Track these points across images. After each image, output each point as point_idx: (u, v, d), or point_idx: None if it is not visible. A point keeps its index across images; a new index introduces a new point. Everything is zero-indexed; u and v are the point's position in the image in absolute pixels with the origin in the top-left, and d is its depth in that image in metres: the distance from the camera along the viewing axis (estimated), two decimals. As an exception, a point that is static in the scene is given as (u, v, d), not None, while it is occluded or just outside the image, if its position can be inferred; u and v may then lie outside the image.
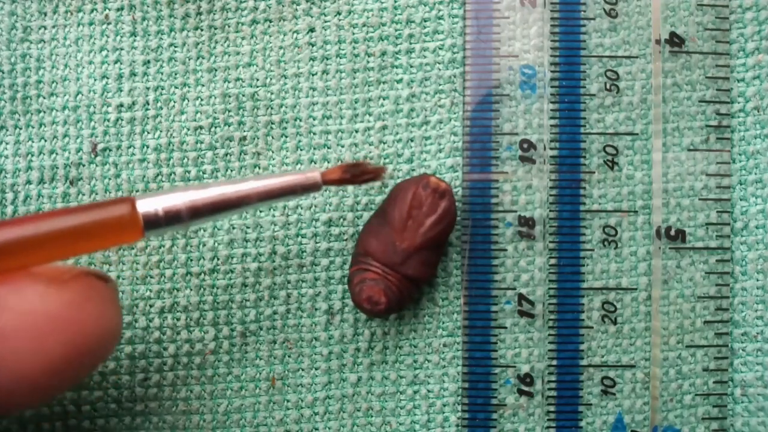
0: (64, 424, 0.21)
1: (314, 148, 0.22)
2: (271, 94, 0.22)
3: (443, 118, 0.22)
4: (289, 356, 0.22)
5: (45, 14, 0.22)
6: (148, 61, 0.22)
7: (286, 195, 0.18)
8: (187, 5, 0.22)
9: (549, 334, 0.21)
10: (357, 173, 0.18)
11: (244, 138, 0.22)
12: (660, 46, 0.21)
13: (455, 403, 0.21)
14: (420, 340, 0.22)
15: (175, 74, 0.22)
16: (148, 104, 0.22)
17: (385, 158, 0.22)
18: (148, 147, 0.22)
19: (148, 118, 0.22)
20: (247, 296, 0.21)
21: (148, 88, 0.22)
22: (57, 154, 0.22)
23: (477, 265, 0.21)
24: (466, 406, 0.21)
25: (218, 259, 0.21)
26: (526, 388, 0.21)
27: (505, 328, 0.21)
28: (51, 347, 0.15)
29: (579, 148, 0.21)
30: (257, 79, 0.22)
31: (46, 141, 0.22)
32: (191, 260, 0.21)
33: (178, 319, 0.21)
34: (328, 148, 0.22)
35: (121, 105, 0.22)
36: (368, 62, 0.22)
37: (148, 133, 0.22)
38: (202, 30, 0.22)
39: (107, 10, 0.22)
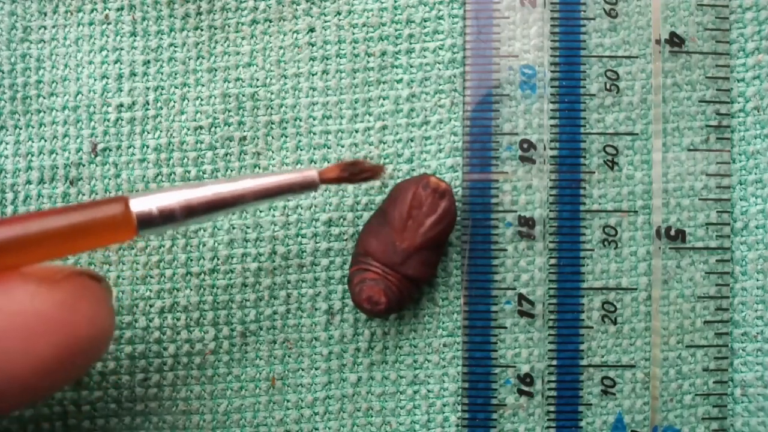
0: (64, 424, 0.21)
1: (314, 148, 0.22)
2: (271, 94, 0.22)
3: (443, 118, 0.22)
4: (289, 356, 0.22)
5: (45, 14, 0.22)
6: (148, 61, 0.22)
7: (283, 194, 0.18)
8: (187, 5, 0.22)
9: (549, 334, 0.21)
10: (355, 172, 0.18)
11: (244, 138, 0.22)
12: (660, 46, 0.21)
13: (455, 403, 0.21)
14: (420, 340, 0.22)
15: (175, 74, 0.22)
16: (148, 104, 0.22)
17: (385, 158, 0.22)
18: (148, 147, 0.22)
19: (148, 118, 0.22)
20: (247, 296, 0.21)
21: (148, 88, 0.22)
22: (57, 154, 0.22)
23: (477, 265, 0.21)
24: (466, 406, 0.21)
25: (218, 259, 0.21)
26: (526, 388, 0.21)
27: (505, 328, 0.21)
28: (42, 348, 0.15)
29: (579, 148, 0.21)
30: (257, 79, 0.22)
31: (46, 141, 0.22)
32: (191, 260, 0.21)
33: (178, 319, 0.21)
34: (328, 148, 0.22)
35: (121, 105, 0.22)
36: (368, 62, 0.22)
37: (148, 133, 0.22)
38: (202, 30, 0.22)
39: (107, 10, 0.22)
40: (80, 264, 0.21)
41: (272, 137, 0.22)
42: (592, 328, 0.21)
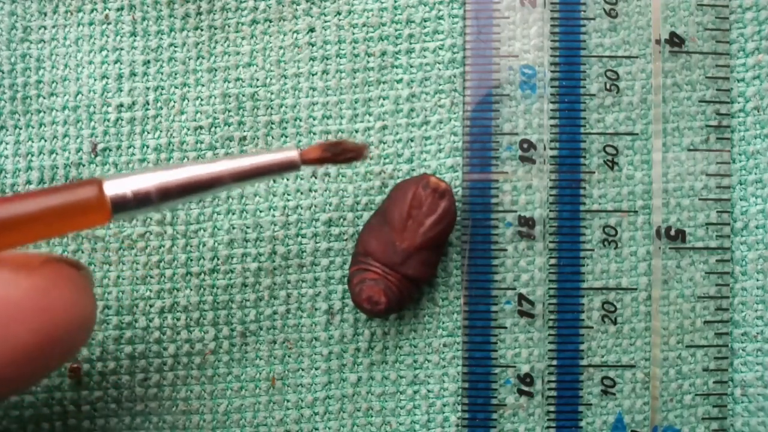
0: (64, 424, 0.21)
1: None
2: (271, 94, 0.22)
3: (443, 118, 0.22)
4: (289, 356, 0.22)
5: (45, 14, 0.22)
6: (148, 61, 0.22)
7: (263, 175, 0.17)
8: (187, 5, 0.22)
9: (549, 334, 0.21)
10: (338, 152, 0.18)
11: (244, 138, 0.22)
12: (660, 46, 0.21)
13: (455, 403, 0.21)
14: (420, 340, 0.22)
15: (175, 74, 0.22)
16: (148, 104, 0.22)
17: (385, 158, 0.22)
18: (148, 147, 0.22)
19: (148, 118, 0.22)
20: (247, 296, 0.21)
21: (148, 88, 0.22)
22: (57, 154, 0.22)
23: (477, 265, 0.21)
24: (466, 406, 0.21)
25: (218, 259, 0.21)
26: (526, 388, 0.21)
27: (505, 328, 0.21)
28: (19, 334, 0.15)
29: (579, 148, 0.21)
30: (257, 79, 0.22)
31: (46, 141, 0.22)
32: (191, 260, 0.21)
33: (178, 319, 0.21)
34: (328, 148, 0.22)
35: (121, 105, 0.22)
36: (368, 62, 0.22)
37: (148, 133, 0.22)
38: (202, 30, 0.22)
39: (107, 10, 0.22)
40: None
41: (272, 137, 0.22)
42: (592, 328, 0.21)
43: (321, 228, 0.22)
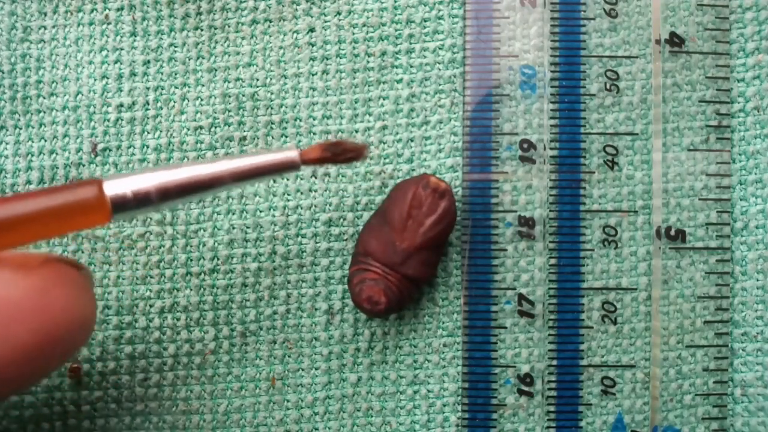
0: (64, 424, 0.21)
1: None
2: (271, 94, 0.22)
3: (443, 118, 0.22)
4: (289, 356, 0.22)
5: (45, 14, 0.22)
6: (148, 61, 0.22)
7: (263, 175, 0.17)
8: (187, 5, 0.22)
9: (549, 334, 0.21)
10: (338, 151, 0.18)
11: (244, 138, 0.22)
12: (660, 46, 0.21)
13: (455, 403, 0.21)
14: (420, 340, 0.22)
15: (175, 74, 0.22)
16: (148, 104, 0.22)
17: (385, 158, 0.22)
18: (148, 147, 0.22)
19: (148, 118, 0.22)
20: (247, 296, 0.21)
21: (148, 88, 0.22)
22: (57, 154, 0.22)
23: (477, 265, 0.21)
24: (466, 406, 0.21)
25: (218, 259, 0.21)
26: (526, 388, 0.21)
27: (505, 328, 0.21)
28: (19, 334, 0.15)
29: (579, 148, 0.21)
30: (257, 79, 0.22)
31: (46, 141, 0.22)
32: (191, 260, 0.21)
33: (178, 319, 0.21)
34: (328, 148, 0.22)
35: (121, 105, 0.22)
36: (368, 62, 0.22)
37: (148, 133, 0.22)
38: (202, 30, 0.22)
39: (107, 10, 0.22)
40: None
41: (272, 137, 0.22)
42: (592, 328, 0.21)
43: (321, 228, 0.22)
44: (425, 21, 0.22)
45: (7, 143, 0.21)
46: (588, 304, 0.21)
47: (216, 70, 0.22)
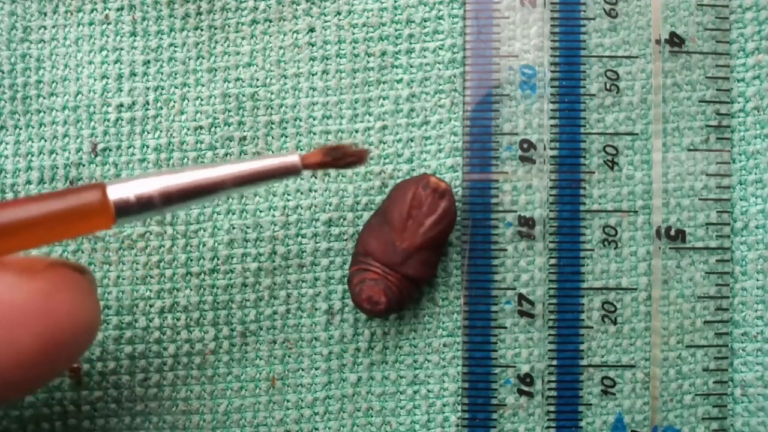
0: (64, 424, 0.21)
1: (314, 149, 0.22)
2: (271, 94, 0.22)
3: (443, 118, 0.22)
4: (289, 356, 0.22)
5: (45, 14, 0.22)
6: (148, 61, 0.22)
7: (265, 179, 0.17)
8: (187, 5, 0.22)
9: (549, 334, 0.21)
10: (338, 156, 0.18)
11: (244, 138, 0.22)
12: (660, 46, 0.21)
13: (455, 403, 0.21)
14: (420, 340, 0.22)
15: (175, 74, 0.22)
16: (148, 104, 0.22)
17: (385, 158, 0.22)
18: (148, 147, 0.22)
19: (148, 118, 0.22)
20: (247, 296, 0.21)
21: (148, 88, 0.22)
22: (57, 154, 0.22)
23: (477, 265, 0.21)
24: (466, 406, 0.21)
25: (218, 259, 0.21)
26: (526, 388, 0.21)
27: (505, 328, 0.21)
28: (23, 338, 0.15)
29: (579, 148, 0.21)
30: (257, 79, 0.22)
31: (46, 141, 0.22)
32: (191, 260, 0.21)
33: (178, 319, 0.21)
34: (328, 148, 0.22)
35: (121, 105, 0.22)
36: (368, 62, 0.22)
37: (148, 133, 0.22)
38: (202, 30, 0.22)
39: (107, 10, 0.22)
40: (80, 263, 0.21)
41: (272, 137, 0.22)
42: (592, 328, 0.21)
43: (321, 228, 0.22)
44: (425, 21, 0.22)
45: (7, 143, 0.21)
46: (588, 304, 0.21)
47: (216, 70, 0.22)
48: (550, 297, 0.21)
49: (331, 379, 0.21)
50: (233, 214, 0.22)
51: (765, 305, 0.21)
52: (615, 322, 0.21)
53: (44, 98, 0.22)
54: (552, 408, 0.21)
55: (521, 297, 0.21)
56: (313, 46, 0.22)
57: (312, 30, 0.22)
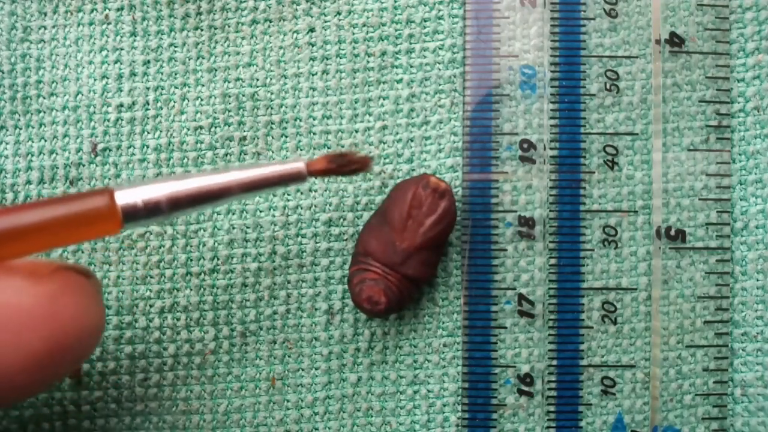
0: (64, 424, 0.21)
1: (314, 148, 0.22)
2: (271, 94, 0.22)
3: (443, 118, 0.22)
4: (289, 356, 0.22)
5: (45, 14, 0.22)
6: (148, 61, 0.22)
7: (270, 186, 0.17)
8: (187, 5, 0.22)
9: (549, 334, 0.21)
10: (343, 163, 0.18)
11: (244, 138, 0.22)
12: (660, 46, 0.21)
13: (455, 403, 0.21)
14: (420, 340, 0.22)
15: (175, 74, 0.22)
16: (148, 104, 0.22)
17: (385, 158, 0.22)
18: (148, 147, 0.22)
19: (148, 118, 0.22)
20: (247, 296, 0.21)
21: (148, 88, 0.22)
22: (57, 154, 0.22)
23: (477, 265, 0.21)
24: (466, 406, 0.21)
25: (218, 259, 0.21)
26: (526, 388, 0.21)
27: (505, 328, 0.21)
28: (30, 342, 0.15)
29: (579, 148, 0.21)
30: (257, 79, 0.22)
31: (46, 141, 0.22)
32: (191, 260, 0.21)
33: (178, 319, 0.21)
34: (328, 148, 0.22)
35: (121, 105, 0.22)
36: (368, 62, 0.22)
37: (148, 133, 0.22)
38: (202, 30, 0.22)
39: (107, 10, 0.22)
40: (80, 263, 0.21)
41: (272, 137, 0.22)
42: (592, 328, 0.21)
43: (321, 228, 0.22)
44: (425, 21, 0.22)
45: (7, 143, 0.21)
46: (588, 304, 0.21)
47: (216, 70, 0.22)
48: (550, 297, 0.21)
49: (331, 379, 0.22)
50: (233, 214, 0.22)
51: (765, 305, 0.21)
52: (615, 322, 0.21)
53: (44, 98, 0.22)
54: (552, 408, 0.21)
55: (521, 297, 0.21)
56: (313, 46, 0.22)
57: (312, 30, 0.22)
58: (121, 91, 0.22)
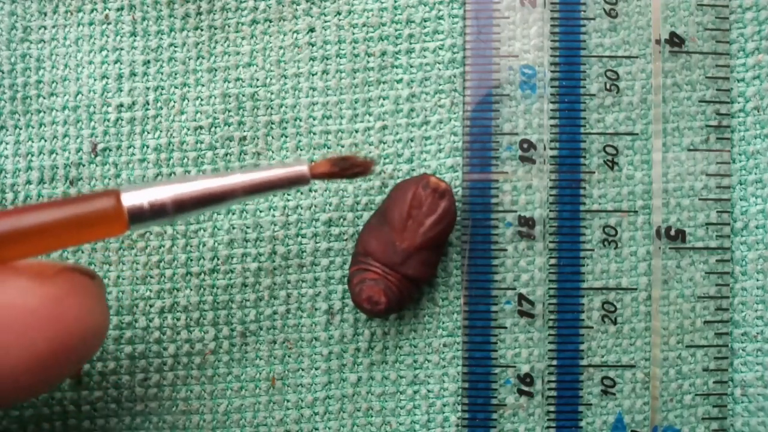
0: (64, 424, 0.21)
1: (314, 148, 0.22)
2: (271, 94, 0.22)
3: (443, 118, 0.22)
4: (289, 356, 0.22)
5: (45, 14, 0.22)
6: (148, 61, 0.22)
7: (274, 188, 0.17)
8: (187, 5, 0.22)
9: (549, 334, 0.21)
10: (346, 166, 0.18)
11: (244, 138, 0.22)
12: (660, 46, 0.21)
13: (455, 403, 0.21)
14: (420, 340, 0.22)
15: (175, 74, 0.22)
16: (148, 104, 0.22)
17: (385, 158, 0.22)
18: (148, 147, 0.22)
19: (148, 118, 0.22)
20: (247, 296, 0.21)
21: (148, 88, 0.22)
22: (57, 154, 0.22)
23: (477, 265, 0.21)
24: (466, 406, 0.21)
25: (218, 259, 0.21)
26: (526, 388, 0.21)
27: (505, 328, 0.21)
28: (35, 342, 0.15)
29: (579, 148, 0.21)
30: (257, 79, 0.22)
31: (46, 141, 0.22)
32: (191, 260, 0.21)
33: (178, 319, 0.21)
34: (328, 148, 0.22)
35: (121, 105, 0.22)
36: (368, 62, 0.22)
37: (148, 133, 0.22)
38: (202, 30, 0.22)
39: (107, 10, 0.22)
40: (81, 263, 0.21)
41: (272, 137, 0.22)
42: (592, 328, 0.21)
43: (321, 228, 0.22)
44: (425, 21, 0.22)
45: (7, 143, 0.21)
46: (588, 304, 0.21)
47: (216, 70, 0.22)
48: (550, 297, 0.21)
49: (331, 379, 0.22)
50: (233, 214, 0.22)
51: (765, 305, 0.21)
52: (615, 322, 0.21)
53: (44, 98, 0.22)
54: (552, 408, 0.21)
55: (521, 297, 0.21)
56: (313, 46, 0.22)
57: (312, 30, 0.22)
58: (121, 91, 0.22)
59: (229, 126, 0.22)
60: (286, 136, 0.22)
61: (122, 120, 0.22)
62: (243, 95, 0.22)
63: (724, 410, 0.21)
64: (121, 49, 0.22)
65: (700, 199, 0.21)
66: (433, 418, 0.21)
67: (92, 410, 0.21)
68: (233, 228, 0.21)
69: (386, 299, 0.20)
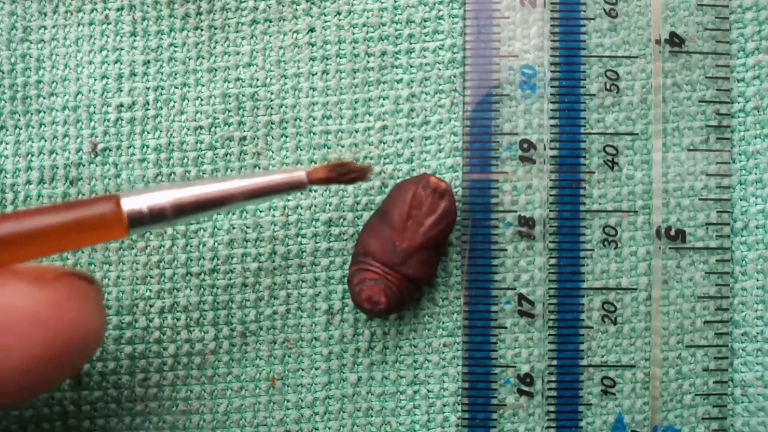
0: (64, 424, 0.21)
1: (314, 148, 0.22)
2: (271, 94, 0.22)
3: (443, 118, 0.22)
4: (289, 356, 0.22)
5: (45, 14, 0.22)
6: (148, 61, 0.22)
7: (271, 193, 0.18)
8: (187, 5, 0.22)
9: (549, 334, 0.21)
10: (343, 172, 0.18)
11: (244, 138, 0.22)
12: (660, 46, 0.21)
13: (455, 403, 0.21)
14: (420, 340, 0.22)
15: (175, 74, 0.22)
16: (148, 104, 0.22)
17: (385, 158, 0.22)
18: (148, 147, 0.22)
19: (148, 118, 0.22)
20: (247, 296, 0.21)
21: (148, 88, 0.22)
22: (57, 154, 0.22)
23: (477, 265, 0.21)
24: (466, 406, 0.21)
25: (218, 259, 0.21)
26: (526, 388, 0.21)
27: (505, 328, 0.21)
28: (34, 345, 0.15)
29: (579, 148, 0.21)
30: (257, 79, 0.22)
31: (46, 141, 0.22)
32: (191, 260, 0.21)
33: (178, 319, 0.21)
34: (328, 148, 0.22)
35: (121, 105, 0.22)
36: (368, 62, 0.22)
37: (148, 133, 0.22)
38: (202, 30, 0.22)
39: (107, 10, 0.22)
40: (80, 263, 0.21)
41: (272, 137, 0.22)
42: (592, 328, 0.21)
43: (321, 228, 0.22)
44: (425, 21, 0.22)
45: (7, 143, 0.21)
46: (588, 304, 0.21)
47: (216, 70, 0.22)
48: (550, 297, 0.21)
49: (331, 379, 0.22)
50: (233, 214, 0.22)
51: (765, 305, 0.21)
52: (615, 322, 0.21)
53: (44, 98, 0.22)
54: (552, 408, 0.21)
55: (521, 297, 0.21)
56: (313, 46, 0.22)
57: (312, 30, 0.22)
58: (121, 91, 0.22)
59: (229, 126, 0.22)
60: (286, 136, 0.22)
61: (122, 120, 0.22)
62: (243, 95, 0.22)
63: (724, 410, 0.21)
64: (121, 49, 0.22)
65: (700, 199, 0.21)
66: (433, 418, 0.21)
67: (92, 410, 0.21)
68: (233, 228, 0.21)
69: (386, 299, 0.20)
